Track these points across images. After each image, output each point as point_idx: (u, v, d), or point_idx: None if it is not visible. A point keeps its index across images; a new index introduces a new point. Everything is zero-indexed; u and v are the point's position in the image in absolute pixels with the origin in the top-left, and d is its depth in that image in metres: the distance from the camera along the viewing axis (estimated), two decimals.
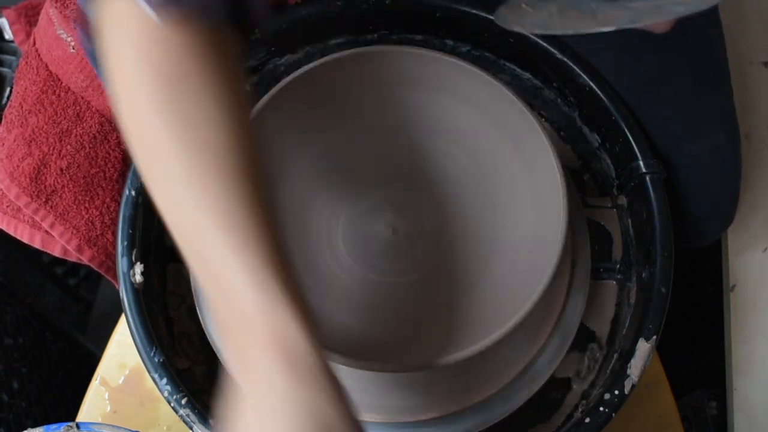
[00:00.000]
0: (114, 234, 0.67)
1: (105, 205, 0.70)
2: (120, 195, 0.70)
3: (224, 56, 0.46)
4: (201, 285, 0.46)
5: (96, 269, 0.72)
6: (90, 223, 0.70)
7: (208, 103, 0.45)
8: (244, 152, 0.45)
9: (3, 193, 0.71)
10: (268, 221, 0.45)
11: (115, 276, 0.65)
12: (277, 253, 0.44)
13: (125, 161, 0.70)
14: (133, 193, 0.65)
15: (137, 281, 0.64)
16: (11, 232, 0.73)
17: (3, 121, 0.74)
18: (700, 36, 0.71)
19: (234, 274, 0.43)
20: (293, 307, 0.43)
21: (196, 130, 0.44)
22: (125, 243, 0.64)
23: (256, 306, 0.43)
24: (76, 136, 0.71)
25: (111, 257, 0.71)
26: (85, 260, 0.71)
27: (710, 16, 0.73)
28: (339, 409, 0.43)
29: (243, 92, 0.48)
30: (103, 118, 0.70)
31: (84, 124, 0.71)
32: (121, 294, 0.63)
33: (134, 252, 0.64)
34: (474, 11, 0.71)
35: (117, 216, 0.66)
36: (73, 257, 0.72)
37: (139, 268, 0.64)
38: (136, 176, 0.66)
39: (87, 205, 0.70)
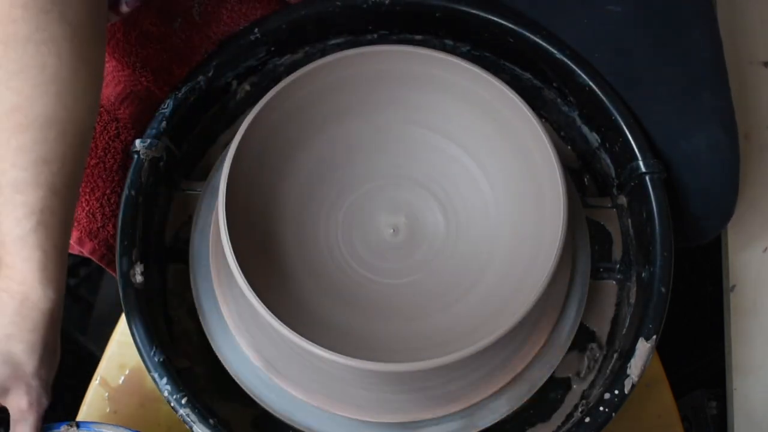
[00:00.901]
0: (114, 227, 0.66)
1: (105, 197, 0.70)
2: (120, 187, 0.69)
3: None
4: None
5: (97, 262, 0.71)
6: (91, 215, 0.70)
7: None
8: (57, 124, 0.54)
9: None
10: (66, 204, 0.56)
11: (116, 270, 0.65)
12: (55, 228, 0.55)
13: (125, 152, 0.70)
14: (133, 193, 0.65)
15: (137, 281, 0.64)
16: None
17: None
18: (695, 33, 0.71)
19: (12, 228, 0.54)
20: (48, 272, 0.55)
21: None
22: (125, 243, 0.64)
23: (21, 261, 0.54)
24: None
25: (112, 250, 0.71)
26: (86, 253, 0.71)
27: (707, 13, 0.73)
28: (27, 348, 0.55)
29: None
30: (102, 109, 0.70)
31: None
32: (121, 294, 0.63)
33: (134, 252, 0.64)
34: (474, 11, 0.71)
35: (117, 209, 0.66)
36: (75, 250, 0.71)
37: (139, 268, 0.64)
38: (136, 176, 0.66)
39: (88, 196, 0.69)
